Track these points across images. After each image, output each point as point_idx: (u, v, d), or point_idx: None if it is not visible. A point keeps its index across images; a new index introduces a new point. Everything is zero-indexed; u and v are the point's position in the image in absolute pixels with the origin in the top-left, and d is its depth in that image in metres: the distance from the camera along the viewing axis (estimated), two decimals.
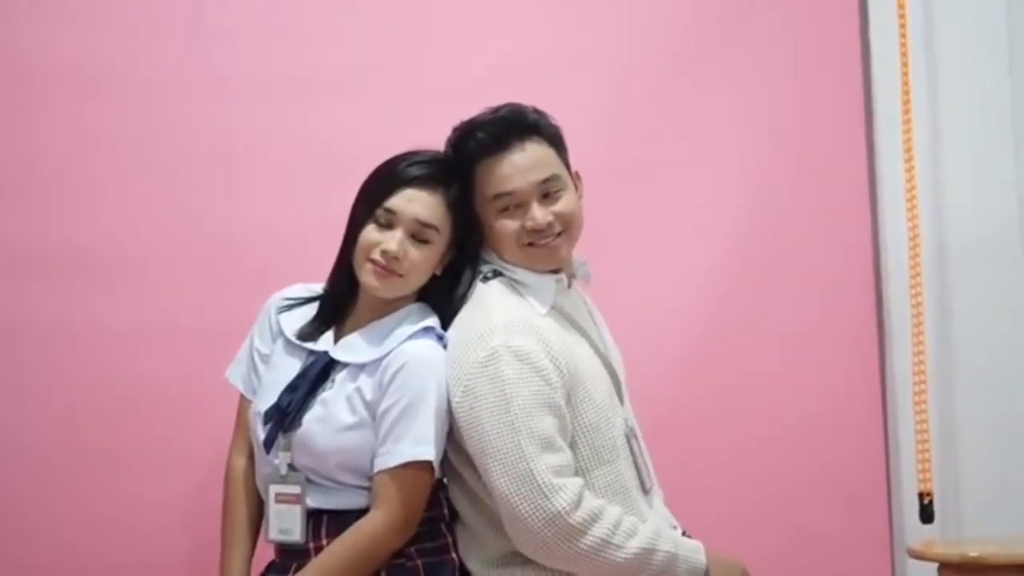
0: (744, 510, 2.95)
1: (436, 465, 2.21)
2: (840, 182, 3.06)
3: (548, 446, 2.14)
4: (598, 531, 2.14)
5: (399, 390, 2.19)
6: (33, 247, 2.75)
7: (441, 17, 2.99)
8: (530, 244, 2.26)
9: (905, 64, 3.08)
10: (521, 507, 2.12)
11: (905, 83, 3.08)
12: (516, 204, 2.26)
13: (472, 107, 2.31)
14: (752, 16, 3.11)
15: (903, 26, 3.08)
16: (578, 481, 2.16)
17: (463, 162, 2.27)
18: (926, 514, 3.00)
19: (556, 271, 2.32)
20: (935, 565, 2.63)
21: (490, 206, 2.27)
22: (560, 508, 2.11)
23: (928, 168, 3.14)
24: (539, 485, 2.11)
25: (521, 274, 2.29)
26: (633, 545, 2.16)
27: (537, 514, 2.11)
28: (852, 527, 3.04)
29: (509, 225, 2.26)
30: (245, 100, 2.84)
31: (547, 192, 2.27)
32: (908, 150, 3.07)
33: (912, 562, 2.85)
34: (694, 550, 2.24)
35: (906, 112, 3.07)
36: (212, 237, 2.81)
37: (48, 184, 2.78)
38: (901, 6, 3.08)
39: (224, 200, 2.83)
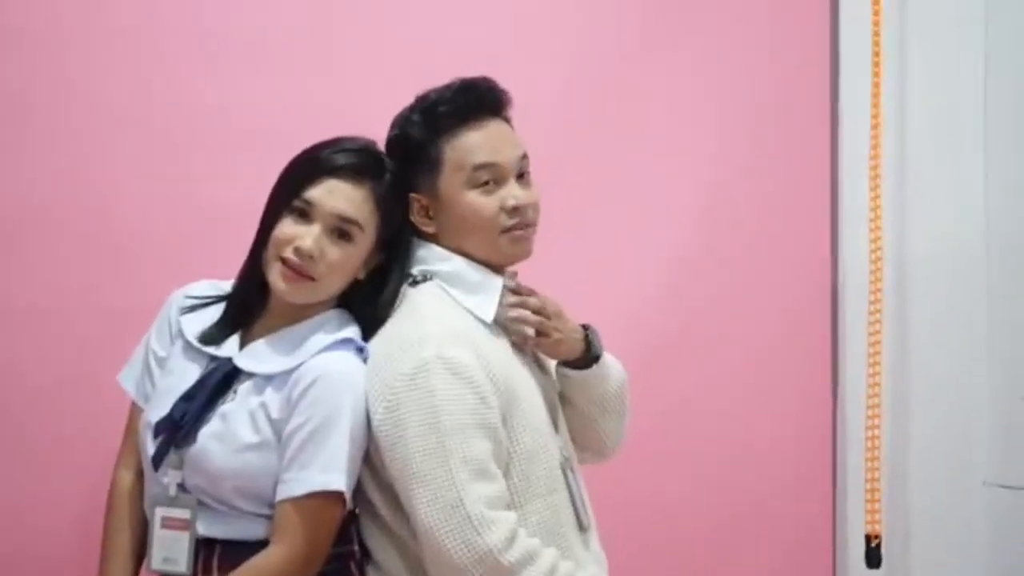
0: (681, 539, 2.84)
1: (348, 496, 1.98)
2: (801, 192, 2.99)
3: (481, 473, 1.93)
4: (532, 575, 1.92)
5: (309, 408, 1.97)
6: None
7: None
8: (512, 228, 2.07)
9: (877, 75, 2.96)
10: (447, 541, 1.89)
11: (875, 94, 2.96)
12: (496, 179, 2.07)
13: (428, 84, 2.14)
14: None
15: (876, 34, 2.95)
16: (512, 516, 1.95)
17: (433, 130, 2.07)
18: (872, 558, 2.86)
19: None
20: None
21: (465, 180, 2.06)
22: (492, 545, 1.89)
23: (893, 184, 3.01)
24: (469, 517, 1.89)
25: (470, 271, 2.07)
26: None
27: (465, 550, 1.89)
28: (793, 567, 2.93)
29: (490, 203, 2.06)
30: (234, 68, 2.68)
31: (522, 172, 2.11)
32: (875, 157, 2.95)
33: None
34: None
35: (875, 121, 2.95)
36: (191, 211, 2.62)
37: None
38: (876, 12, 2.95)
39: (200, 171, 2.64)
